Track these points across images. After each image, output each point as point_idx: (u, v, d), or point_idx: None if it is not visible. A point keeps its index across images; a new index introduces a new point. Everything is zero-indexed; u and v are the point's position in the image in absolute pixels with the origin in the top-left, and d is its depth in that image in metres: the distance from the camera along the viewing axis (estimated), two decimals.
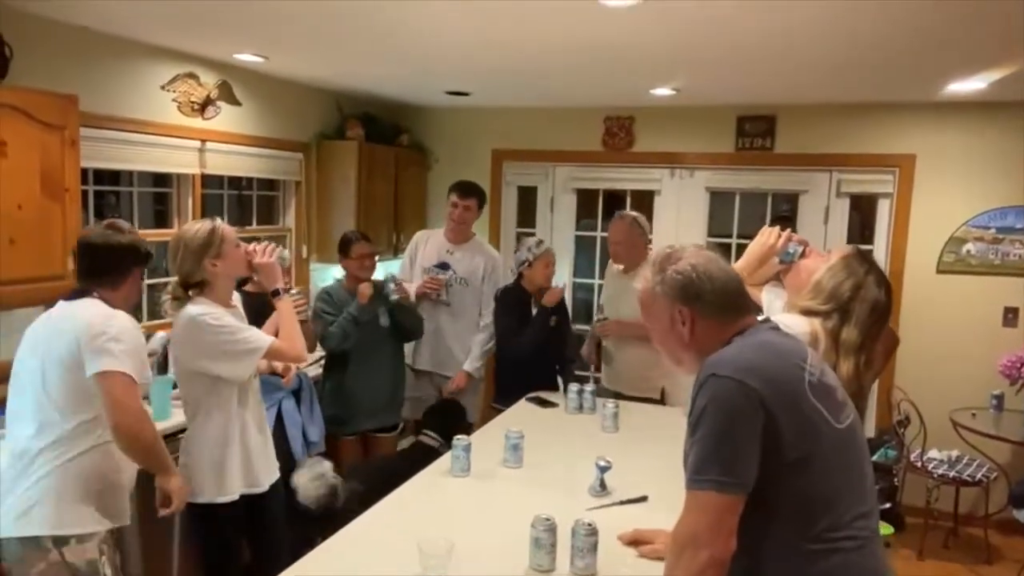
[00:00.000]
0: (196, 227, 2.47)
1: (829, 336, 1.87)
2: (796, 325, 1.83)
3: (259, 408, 2.67)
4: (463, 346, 4.06)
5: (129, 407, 2.12)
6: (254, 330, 2.53)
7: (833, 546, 1.38)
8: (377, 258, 3.75)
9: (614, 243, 3.80)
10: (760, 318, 1.59)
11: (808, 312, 1.92)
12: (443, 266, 4.06)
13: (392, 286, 3.57)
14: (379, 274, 3.71)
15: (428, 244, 4.18)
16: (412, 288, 3.95)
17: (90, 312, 2.18)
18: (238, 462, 2.54)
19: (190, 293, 2.48)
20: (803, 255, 2.12)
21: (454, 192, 4.06)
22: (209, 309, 2.43)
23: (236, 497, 2.54)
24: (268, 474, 2.66)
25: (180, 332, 2.46)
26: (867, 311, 1.89)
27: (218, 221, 2.50)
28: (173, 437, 2.95)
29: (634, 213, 3.90)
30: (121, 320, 2.19)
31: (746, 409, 1.35)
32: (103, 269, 2.27)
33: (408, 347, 4.02)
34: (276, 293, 2.62)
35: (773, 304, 2.09)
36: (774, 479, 1.37)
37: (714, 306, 1.50)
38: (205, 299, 2.46)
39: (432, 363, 4.10)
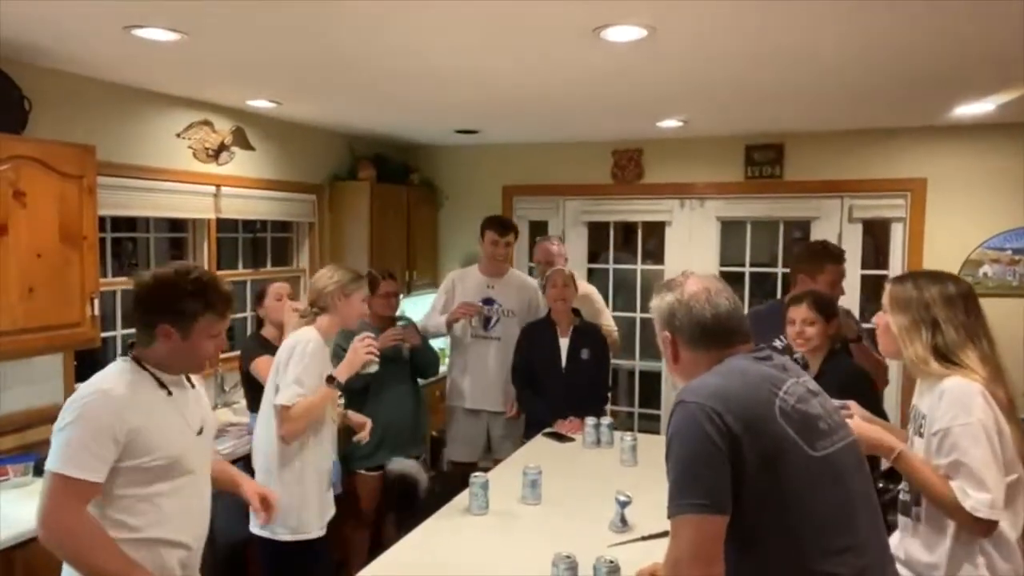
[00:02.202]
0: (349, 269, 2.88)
1: (936, 352, 1.83)
2: (963, 392, 1.76)
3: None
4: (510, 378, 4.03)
5: (42, 516, 1.71)
6: (298, 386, 2.62)
7: None
8: (401, 296, 3.76)
9: (540, 263, 4.39)
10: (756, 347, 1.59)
11: (938, 355, 1.83)
12: (488, 301, 4.03)
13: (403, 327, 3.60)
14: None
15: (466, 282, 4.12)
16: (439, 320, 4.02)
17: (88, 380, 1.89)
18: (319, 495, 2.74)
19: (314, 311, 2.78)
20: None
21: (491, 230, 4.02)
22: (314, 339, 2.69)
23: (324, 532, 2.74)
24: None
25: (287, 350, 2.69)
26: (943, 307, 1.85)
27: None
28: None
29: (558, 237, 4.64)
30: (90, 398, 1.77)
31: (709, 431, 1.37)
32: (135, 320, 1.93)
33: (459, 386, 4.06)
34: (331, 379, 2.74)
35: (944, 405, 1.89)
36: (743, 502, 1.37)
37: (692, 337, 1.57)
38: (324, 322, 2.77)
39: (483, 400, 4.03)
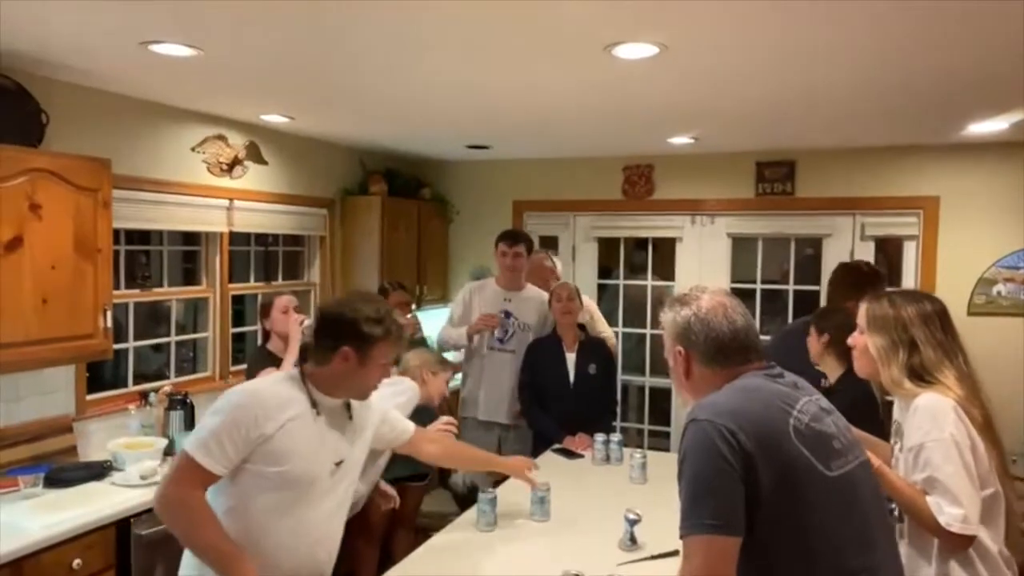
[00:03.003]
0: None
1: (909, 370, 1.84)
2: (935, 407, 1.77)
3: None
4: None
5: (163, 485, 1.83)
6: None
7: None
8: (414, 306, 3.78)
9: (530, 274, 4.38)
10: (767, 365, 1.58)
11: (913, 375, 1.85)
12: (505, 315, 4.07)
13: None
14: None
15: (484, 294, 4.16)
16: (458, 332, 4.07)
17: (252, 382, 2.02)
18: None
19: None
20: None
21: (502, 242, 4.09)
22: (413, 390, 2.95)
23: None
24: None
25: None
26: (921, 326, 1.86)
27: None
28: None
29: (543, 252, 4.62)
30: (239, 393, 1.88)
31: (723, 450, 1.35)
32: (315, 340, 1.96)
33: (472, 397, 4.10)
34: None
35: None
36: (759, 523, 1.35)
37: (708, 354, 1.55)
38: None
39: (496, 412, 4.05)
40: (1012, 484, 1.84)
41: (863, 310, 1.97)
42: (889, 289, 2.07)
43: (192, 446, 1.80)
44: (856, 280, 3.20)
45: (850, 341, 2.03)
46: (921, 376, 1.83)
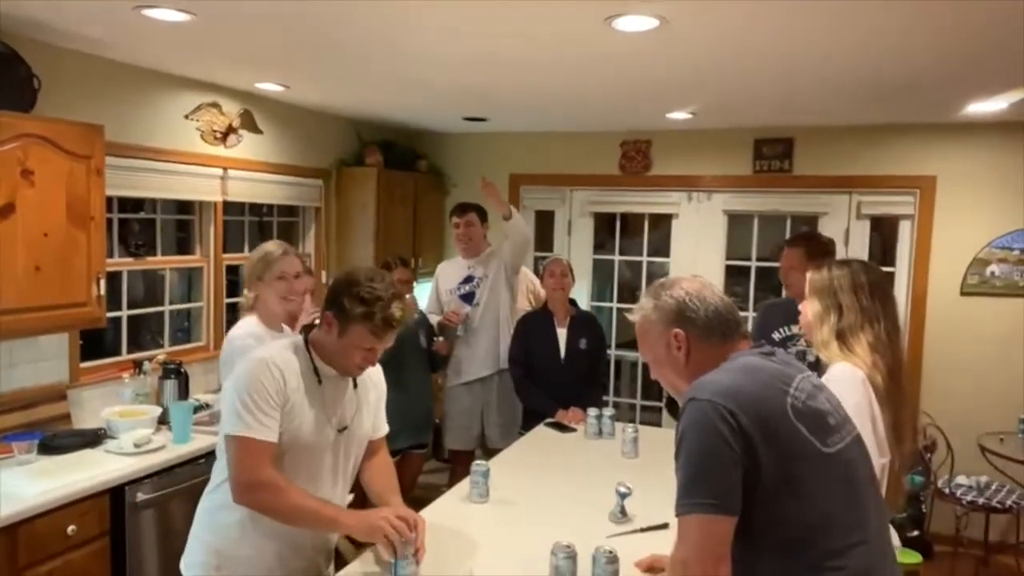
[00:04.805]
0: None
1: (838, 336, 1.96)
2: (846, 376, 1.87)
3: None
4: (498, 341, 4.07)
5: (233, 479, 1.84)
6: None
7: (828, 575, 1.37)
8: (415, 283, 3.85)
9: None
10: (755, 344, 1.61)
11: (838, 338, 1.96)
12: (468, 279, 4.14)
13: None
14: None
15: (447, 269, 4.29)
16: (435, 319, 4.11)
17: (251, 354, 1.96)
18: None
19: None
20: None
21: (452, 214, 4.23)
22: None
23: None
24: None
25: None
26: (849, 293, 1.98)
27: None
28: (193, 462, 2.98)
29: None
30: (254, 365, 1.86)
31: (723, 430, 1.35)
32: (325, 306, 1.93)
33: (454, 362, 4.16)
34: None
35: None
36: (759, 503, 1.36)
37: (709, 327, 1.54)
38: None
39: (480, 367, 4.10)
40: (900, 451, 1.96)
41: (808, 278, 2.08)
42: (835, 260, 2.18)
43: (235, 429, 1.80)
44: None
45: (801, 307, 2.14)
46: (843, 339, 1.95)
